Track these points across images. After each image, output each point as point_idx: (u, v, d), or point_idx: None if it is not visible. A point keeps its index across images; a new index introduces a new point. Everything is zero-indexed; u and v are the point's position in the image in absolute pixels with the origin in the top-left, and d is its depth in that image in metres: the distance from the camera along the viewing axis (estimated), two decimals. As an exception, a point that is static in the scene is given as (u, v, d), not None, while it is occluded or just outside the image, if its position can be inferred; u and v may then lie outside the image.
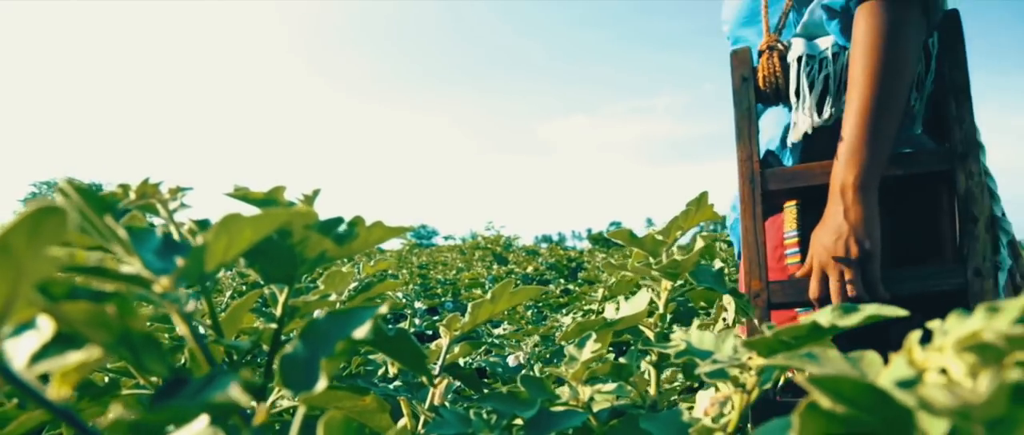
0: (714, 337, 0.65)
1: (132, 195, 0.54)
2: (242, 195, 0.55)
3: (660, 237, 0.87)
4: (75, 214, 0.40)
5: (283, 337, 0.57)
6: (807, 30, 1.14)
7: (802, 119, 1.11)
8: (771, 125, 1.22)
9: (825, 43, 1.11)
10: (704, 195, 0.88)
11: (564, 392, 0.75)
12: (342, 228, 0.52)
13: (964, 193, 1.03)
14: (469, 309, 0.78)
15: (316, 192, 0.58)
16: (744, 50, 1.17)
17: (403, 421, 0.85)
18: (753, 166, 1.11)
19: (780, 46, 1.15)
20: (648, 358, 0.83)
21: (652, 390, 0.81)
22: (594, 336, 0.79)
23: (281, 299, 0.55)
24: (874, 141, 1.01)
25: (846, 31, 1.08)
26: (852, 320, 0.52)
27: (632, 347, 0.83)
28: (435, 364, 0.87)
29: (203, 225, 0.51)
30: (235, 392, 0.28)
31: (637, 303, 0.87)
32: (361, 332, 0.38)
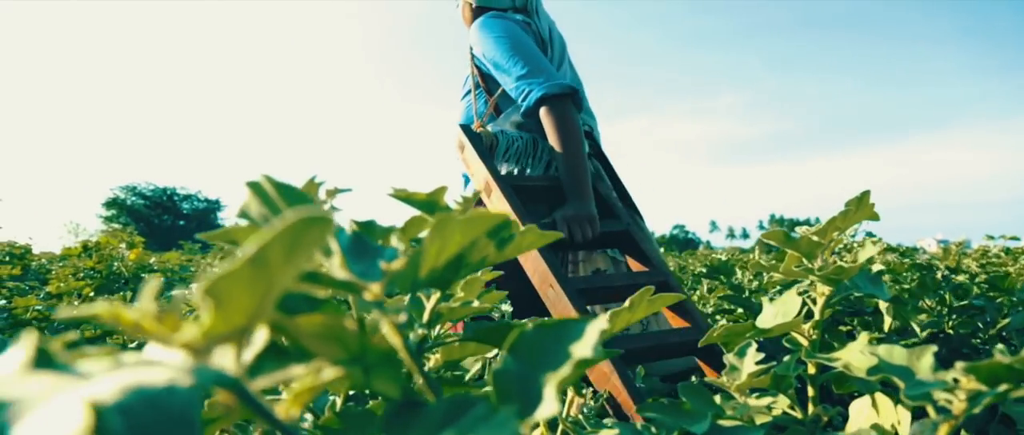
0: (907, 352, 0.58)
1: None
2: (404, 196, 0.52)
3: (816, 238, 0.80)
4: (264, 213, 0.37)
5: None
6: (500, 122, 2.05)
7: (507, 167, 2.02)
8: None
9: (512, 129, 2.01)
10: (866, 194, 0.82)
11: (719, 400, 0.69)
12: (504, 233, 0.48)
13: (606, 192, 1.95)
14: (607, 318, 0.73)
15: (476, 194, 0.54)
16: (466, 125, 1.95)
17: (537, 432, 0.81)
18: (503, 176, 1.80)
19: (487, 129, 1.95)
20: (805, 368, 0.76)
21: (811, 403, 0.74)
22: (753, 345, 0.73)
23: (430, 305, 0.51)
24: (580, 166, 1.84)
25: (537, 124, 1.97)
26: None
27: (789, 356, 0.76)
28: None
29: (367, 226, 0.47)
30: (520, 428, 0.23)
31: (788, 309, 0.81)
32: (585, 348, 0.33)
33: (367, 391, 0.76)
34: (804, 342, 0.79)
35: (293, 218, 0.22)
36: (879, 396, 0.79)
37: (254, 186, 0.37)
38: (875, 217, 0.80)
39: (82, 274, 3.70)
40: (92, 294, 3.47)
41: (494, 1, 2.12)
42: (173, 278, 4.16)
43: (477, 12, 2.14)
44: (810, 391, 0.76)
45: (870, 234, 2.39)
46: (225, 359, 0.24)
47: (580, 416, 0.77)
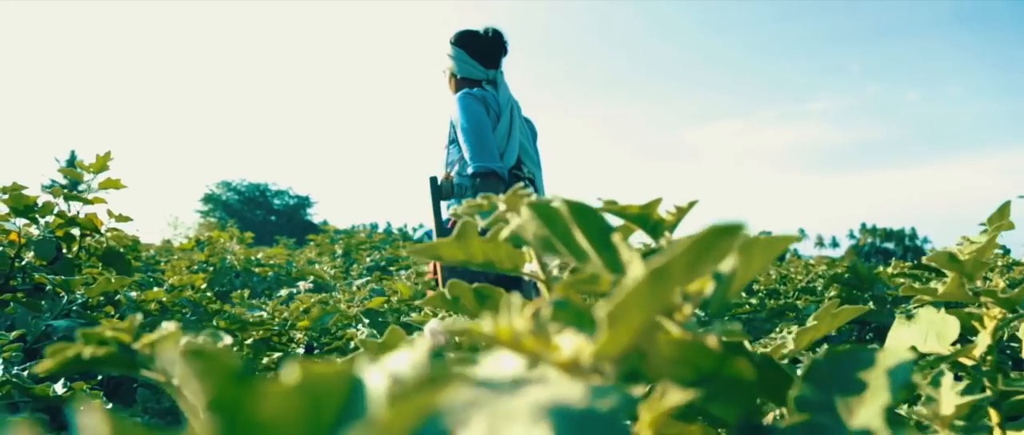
0: None
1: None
2: (617, 209, 0.52)
3: (980, 259, 0.77)
4: (543, 230, 0.37)
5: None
6: (460, 172, 2.77)
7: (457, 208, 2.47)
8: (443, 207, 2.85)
9: (466, 179, 2.73)
10: (1006, 205, 0.81)
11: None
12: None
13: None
14: (794, 335, 0.72)
15: (692, 204, 0.53)
16: (434, 178, 2.73)
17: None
18: (450, 221, 2.68)
19: (450, 176, 2.76)
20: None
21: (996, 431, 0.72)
22: (947, 373, 0.70)
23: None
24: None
25: (474, 184, 2.70)
26: None
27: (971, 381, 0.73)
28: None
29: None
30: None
31: (944, 330, 0.78)
32: (892, 377, 0.32)
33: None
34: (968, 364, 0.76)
35: (705, 230, 0.22)
36: None
37: (541, 208, 0.37)
38: (1011, 226, 0.79)
39: (196, 267, 3.87)
40: (204, 285, 3.62)
41: (470, 73, 2.89)
42: (280, 272, 4.30)
43: (459, 83, 2.91)
44: (996, 424, 0.73)
45: (1006, 250, 2.27)
46: (601, 379, 0.25)
47: None
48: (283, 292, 3.29)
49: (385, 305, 2.48)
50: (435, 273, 2.83)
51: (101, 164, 2.27)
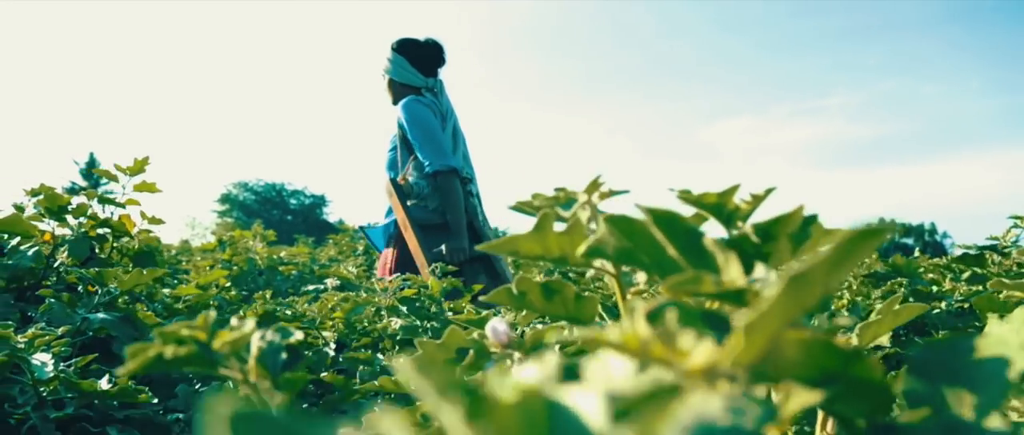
0: None
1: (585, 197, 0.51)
2: (693, 199, 0.52)
3: None
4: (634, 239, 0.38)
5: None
6: (414, 174, 3.06)
7: (414, 200, 3.06)
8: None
9: (422, 179, 3.05)
10: None
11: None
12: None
13: (479, 226, 3.18)
14: (857, 331, 0.71)
15: (768, 191, 0.53)
16: (393, 178, 3.05)
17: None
18: (413, 217, 2.98)
19: (406, 178, 3.05)
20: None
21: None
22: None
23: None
24: (458, 217, 3.03)
25: (432, 183, 3.05)
26: None
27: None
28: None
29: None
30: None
31: None
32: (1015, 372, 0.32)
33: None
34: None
35: (851, 234, 0.22)
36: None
37: (615, 221, 0.37)
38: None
39: (219, 266, 3.90)
40: (228, 284, 3.65)
41: (409, 80, 3.12)
42: (303, 271, 4.32)
43: (399, 88, 3.15)
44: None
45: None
46: (730, 385, 0.25)
47: None
48: (309, 288, 3.31)
49: (418, 295, 2.47)
50: (386, 270, 3.09)
51: (139, 167, 2.29)
